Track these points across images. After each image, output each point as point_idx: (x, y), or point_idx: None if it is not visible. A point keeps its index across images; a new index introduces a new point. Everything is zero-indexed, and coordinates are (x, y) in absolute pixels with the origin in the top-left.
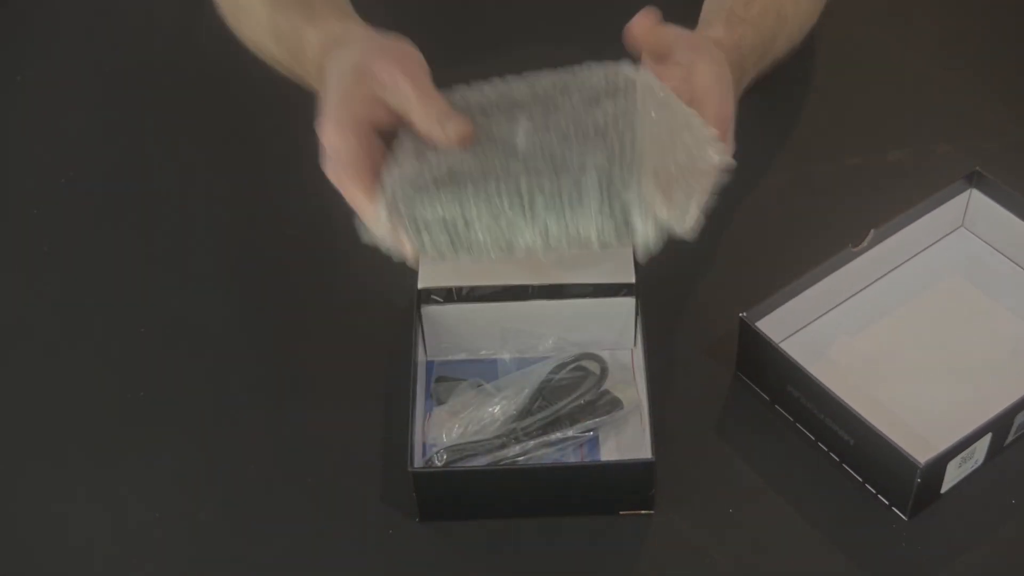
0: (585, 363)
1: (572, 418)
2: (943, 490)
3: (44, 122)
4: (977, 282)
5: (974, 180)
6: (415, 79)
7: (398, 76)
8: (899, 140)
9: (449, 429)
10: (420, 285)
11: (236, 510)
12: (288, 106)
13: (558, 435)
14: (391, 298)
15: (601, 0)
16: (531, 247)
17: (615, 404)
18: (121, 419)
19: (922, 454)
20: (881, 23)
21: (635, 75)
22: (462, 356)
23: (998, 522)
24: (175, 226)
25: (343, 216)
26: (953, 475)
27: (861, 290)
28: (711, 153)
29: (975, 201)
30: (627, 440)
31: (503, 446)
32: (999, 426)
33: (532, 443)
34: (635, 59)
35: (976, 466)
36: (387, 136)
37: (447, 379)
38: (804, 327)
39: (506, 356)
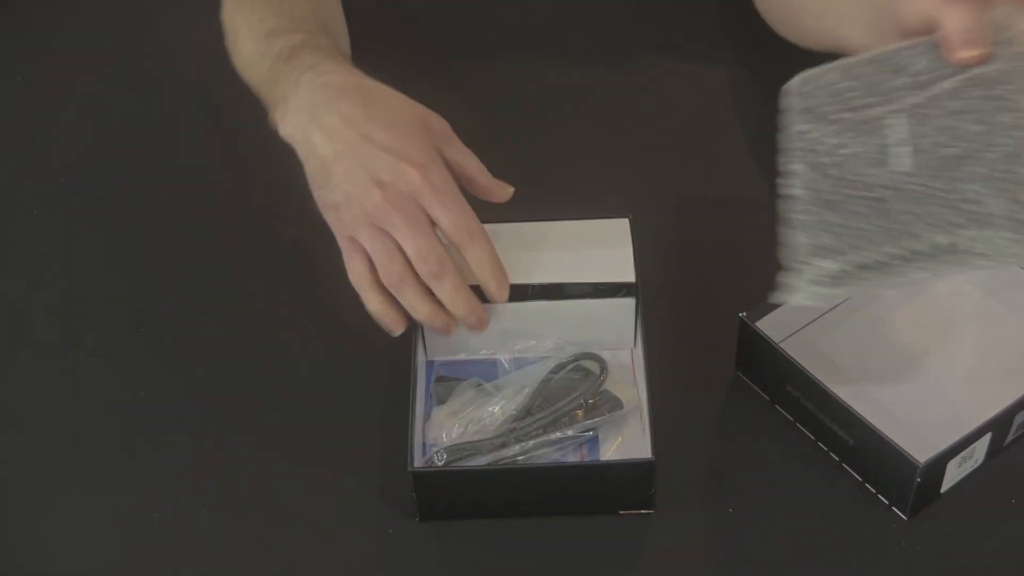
0: (585, 363)
1: (572, 418)
2: (943, 490)
3: (44, 122)
4: (977, 282)
5: None
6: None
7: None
8: None
9: (449, 429)
10: None
11: (236, 510)
12: None
13: (558, 435)
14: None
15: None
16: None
17: (615, 404)
18: (121, 419)
19: (922, 454)
20: None
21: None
22: (462, 356)
23: (998, 522)
24: (175, 226)
25: None
26: (953, 475)
27: None
28: None
29: None
30: (627, 440)
31: (503, 446)
32: (999, 426)
33: (532, 443)
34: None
35: (976, 465)
36: None
37: (447, 379)
38: (804, 327)
39: (506, 356)
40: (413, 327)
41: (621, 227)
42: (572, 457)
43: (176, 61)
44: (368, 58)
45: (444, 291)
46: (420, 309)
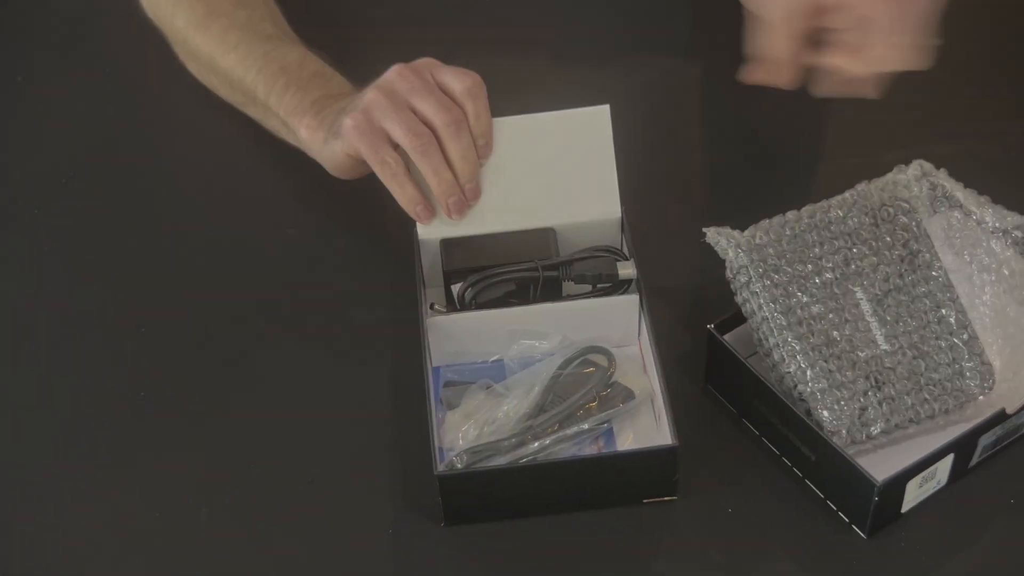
0: (592, 357)
1: (587, 411)
2: (904, 510)
3: (44, 122)
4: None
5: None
6: None
7: None
8: (898, 140)
9: (465, 432)
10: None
11: (239, 513)
12: None
13: (574, 429)
14: (393, 301)
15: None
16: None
17: (628, 394)
18: (121, 419)
19: (880, 472)
20: None
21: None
22: (467, 359)
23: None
24: (175, 226)
25: (343, 217)
26: (914, 495)
27: None
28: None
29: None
30: (642, 429)
31: (521, 444)
32: (961, 448)
33: (549, 439)
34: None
35: (939, 487)
36: None
37: (455, 383)
38: None
39: (510, 357)
40: (422, 334)
41: (602, 120)
42: (589, 450)
43: (176, 61)
44: (368, 58)
45: (461, 142)
46: (443, 175)
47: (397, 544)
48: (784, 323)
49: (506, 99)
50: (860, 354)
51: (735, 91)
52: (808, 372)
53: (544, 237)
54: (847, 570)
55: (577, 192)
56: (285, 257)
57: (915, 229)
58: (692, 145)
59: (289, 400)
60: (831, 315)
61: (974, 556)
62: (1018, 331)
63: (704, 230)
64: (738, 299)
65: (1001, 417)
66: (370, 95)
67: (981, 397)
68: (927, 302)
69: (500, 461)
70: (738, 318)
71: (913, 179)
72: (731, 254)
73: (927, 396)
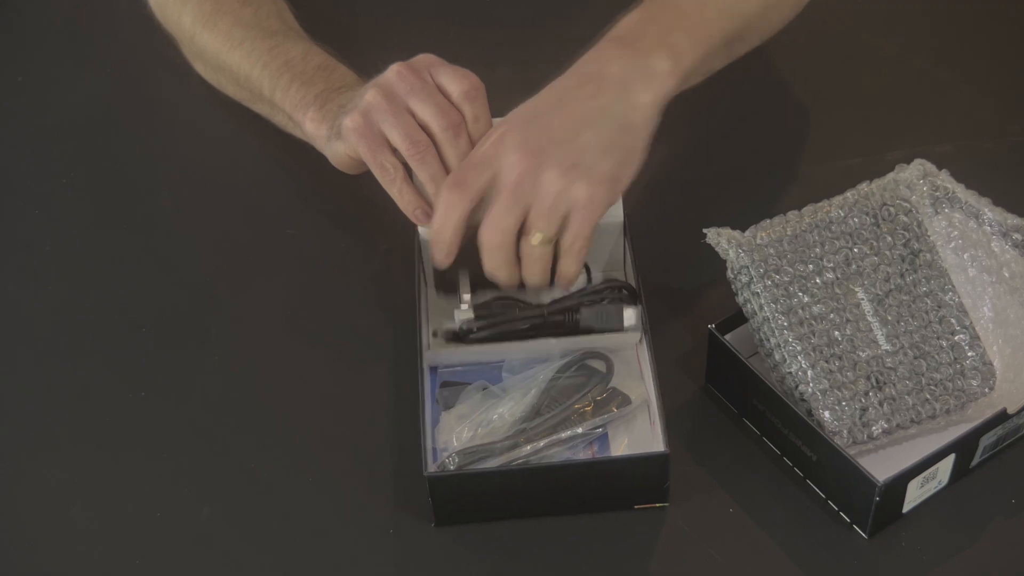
0: (590, 361)
1: (582, 416)
2: (905, 510)
3: (45, 122)
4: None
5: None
6: None
7: None
8: (898, 140)
9: (459, 433)
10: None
11: (240, 514)
12: None
13: (569, 433)
14: (392, 301)
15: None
16: None
17: (624, 400)
18: (122, 419)
19: (882, 472)
20: (880, 24)
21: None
22: (464, 360)
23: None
24: (176, 226)
25: (343, 217)
26: (915, 495)
27: None
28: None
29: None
30: (637, 434)
31: (514, 447)
32: (963, 448)
33: (543, 443)
34: None
35: (940, 487)
36: None
37: (452, 384)
38: None
39: (508, 359)
40: (418, 335)
41: None
42: (583, 455)
43: (176, 61)
44: (371, 56)
45: (459, 147)
46: (441, 182)
47: (388, 543)
48: (785, 323)
49: (507, 99)
50: (861, 354)
51: (735, 91)
52: (809, 372)
53: None
54: (848, 570)
55: None
56: (285, 257)
57: (916, 229)
58: (692, 145)
59: (289, 400)
60: (832, 315)
61: (975, 556)
62: (1019, 332)
63: (704, 230)
64: (739, 299)
65: (1002, 417)
66: (369, 96)
67: (982, 397)
68: (928, 302)
69: (492, 463)
70: (739, 318)
71: (914, 179)
72: (732, 254)
73: (928, 396)
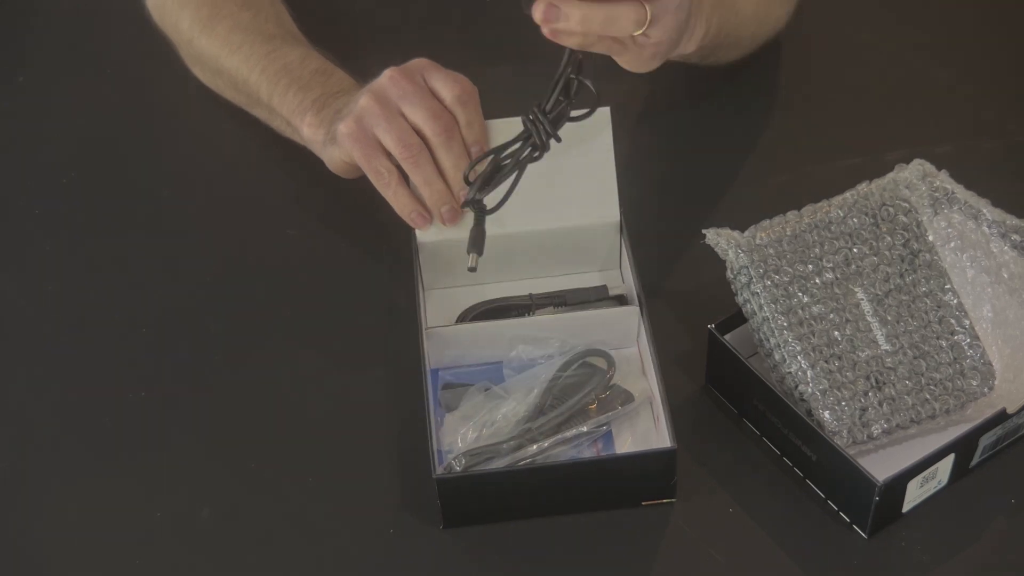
0: (591, 360)
1: (585, 414)
2: (905, 510)
3: (45, 122)
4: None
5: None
6: None
7: None
8: (898, 140)
9: (464, 435)
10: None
11: (241, 515)
12: None
13: (573, 431)
14: (392, 302)
15: None
16: None
17: (627, 397)
18: (122, 419)
19: (881, 472)
20: (880, 24)
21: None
22: (465, 362)
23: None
24: (176, 226)
25: (343, 217)
26: (915, 495)
27: None
28: None
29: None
30: (640, 431)
31: (520, 447)
32: (963, 447)
33: (548, 442)
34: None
35: (940, 487)
36: None
37: (454, 385)
38: None
39: (510, 359)
40: (420, 339)
41: (602, 122)
42: (588, 453)
43: (176, 61)
44: (371, 60)
45: (452, 151)
46: (435, 185)
47: (396, 546)
48: (785, 323)
49: (506, 100)
50: (861, 354)
51: (735, 91)
52: (809, 372)
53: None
54: (848, 570)
55: (576, 195)
56: (285, 257)
57: (916, 229)
58: (692, 146)
59: (289, 400)
60: (832, 315)
61: (975, 556)
62: (1018, 333)
63: (704, 231)
64: (739, 299)
65: (1002, 417)
66: (363, 101)
67: (982, 397)
68: (928, 302)
69: (499, 464)
70: (739, 318)
71: (914, 179)
72: (731, 255)
73: (928, 396)
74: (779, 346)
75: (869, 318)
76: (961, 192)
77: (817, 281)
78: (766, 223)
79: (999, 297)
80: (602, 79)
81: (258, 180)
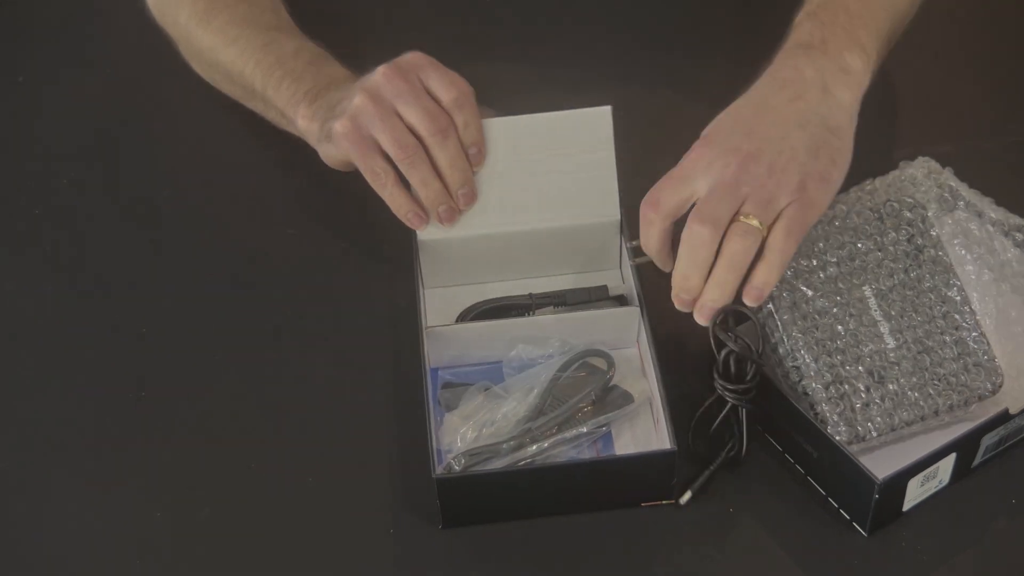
0: (591, 360)
1: (585, 414)
2: (905, 508)
3: (45, 122)
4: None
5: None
6: None
7: None
8: (898, 140)
9: (463, 434)
10: (425, 321)
11: (242, 515)
12: None
13: (573, 432)
14: (392, 301)
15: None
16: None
17: (626, 398)
18: (122, 420)
19: (881, 470)
20: None
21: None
22: (465, 362)
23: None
24: (177, 226)
25: (343, 217)
26: (915, 494)
27: None
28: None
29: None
30: (640, 432)
31: (519, 447)
32: (964, 447)
33: (548, 442)
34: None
35: (941, 486)
36: None
37: (453, 385)
38: None
39: (510, 359)
40: (420, 337)
41: (603, 121)
42: (587, 454)
43: (176, 61)
44: (370, 57)
45: (448, 151)
46: (431, 185)
47: (396, 546)
48: (789, 318)
49: (506, 99)
50: (865, 349)
51: (735, 91)
52: (813, 367)
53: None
54: (847, 568)
55: (577, 193)
56: (285, 257)
57: (920, 225)
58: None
59: (289, 400)
60: (836, 309)
61: (975, 556)
62: (1021, 331)
63: None
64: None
65: (1004, 417)
66: (357, 100)
67: (987, 395)
68: (932, 297)
69: (498, 464)
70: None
71: (920, 176)
72: None
73: (932, 391)
74: (783, 340)
75: (873, 313)
76: (964, 191)
77: (821, 275)
78: None
79: (1002, 295)
80: (603, 78)
81: (258, 180)
